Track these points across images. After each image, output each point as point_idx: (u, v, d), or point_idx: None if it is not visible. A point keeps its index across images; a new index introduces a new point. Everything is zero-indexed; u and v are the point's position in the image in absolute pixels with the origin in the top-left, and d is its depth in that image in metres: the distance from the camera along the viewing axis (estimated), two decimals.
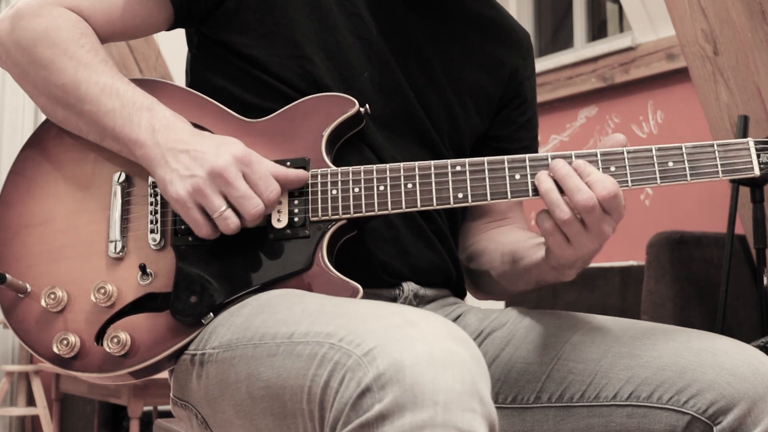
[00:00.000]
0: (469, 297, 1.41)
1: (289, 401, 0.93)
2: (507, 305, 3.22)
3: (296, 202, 1.14)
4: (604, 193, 1.06)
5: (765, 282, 2.56)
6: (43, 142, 1.23)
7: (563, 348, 1.17)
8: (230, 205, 1.09)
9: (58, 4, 1.20)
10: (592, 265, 3.30)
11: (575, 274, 1.17)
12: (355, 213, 1.13)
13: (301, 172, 1.13)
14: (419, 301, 1.28)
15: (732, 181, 2.66)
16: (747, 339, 1.38)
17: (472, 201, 1.12)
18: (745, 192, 2.70)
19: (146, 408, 4.08)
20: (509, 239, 1.31)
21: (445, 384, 0.82)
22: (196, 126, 1.16)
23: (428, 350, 0.84)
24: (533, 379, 1.17)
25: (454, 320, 1.30)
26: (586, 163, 1.09)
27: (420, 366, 0.83)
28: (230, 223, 1.09)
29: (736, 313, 2.75)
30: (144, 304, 1.14)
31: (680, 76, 3.40)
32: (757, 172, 1.08)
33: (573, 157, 1.10)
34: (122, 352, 1.11)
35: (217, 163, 1.08)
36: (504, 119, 1.40)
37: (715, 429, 1.04)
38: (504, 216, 1.40)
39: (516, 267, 1.26)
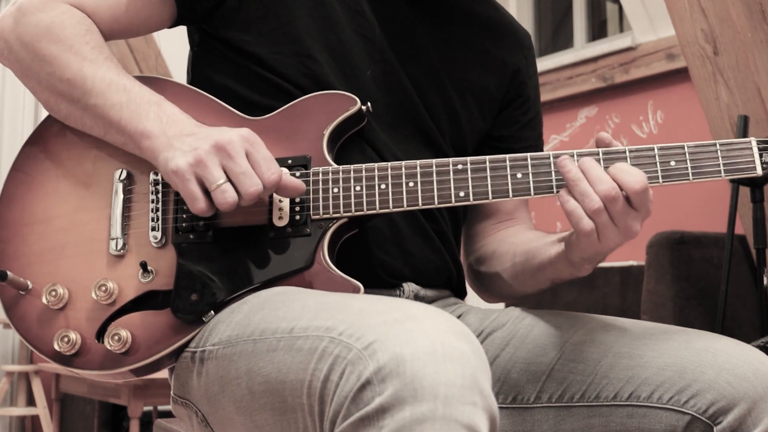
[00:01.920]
0: (469, 297, 1.40)
1: (290, 396, 0.93)
2: (507, 305, 3.22)
3: (297, 200, 1.14)
4: (637, 187, 1.04)
5: (765, 282, 2.56)
6: (45, 140, 1.23)
7: (563, 348, 1.17)
8: (230, 181, 1.08)
9: (62, 0, 1.20)
10: None
11: (592, 268, 1.17)
12: (356, 211, 1.13)
13: (299, 181, 1.12)
14: (420, 302, 1.28)
15: (732, 180, 2.66)
16: (747, 339, 1.38)
17: (474, 200, 1.12)
18: (745, 192, 2.70)
19: (146, 408, 4.08)
20: (520, 240, 1.31)
21: (445, 378, 0.82)
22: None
23: (429, 344, 0.84)
24: (533, 379, 1.17)
25: None
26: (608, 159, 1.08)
27: (420, 360, 0.83)
28: (228, 196, 1.07)
29: (736, 313, 2.75)
30: (145, 301, 1.14)
31: (680, 76, 3.40)
32: (759, 171, 1.08)
33: (575, 155, 1.10)
34: (123, 350, 1.11)
35: (222, 138, 1.08)
36: (506, 119, 1.40)
37: (715, 429, 1.04)
38: (511, 216, 1.40)
39: (529, 267, 1.25)
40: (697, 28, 2.77)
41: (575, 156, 1.10)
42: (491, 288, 1.38)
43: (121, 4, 1.23)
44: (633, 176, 1.05)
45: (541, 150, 1.43)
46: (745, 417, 1.03)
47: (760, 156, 1.08)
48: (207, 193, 1.08)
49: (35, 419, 5.06)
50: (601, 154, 1.10)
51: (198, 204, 1.08)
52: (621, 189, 1.05)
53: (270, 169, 1.09)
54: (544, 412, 1.16)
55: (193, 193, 1.08)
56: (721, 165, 1.08)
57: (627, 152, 1.10)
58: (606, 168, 1.07)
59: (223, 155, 1.07)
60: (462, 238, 1.44)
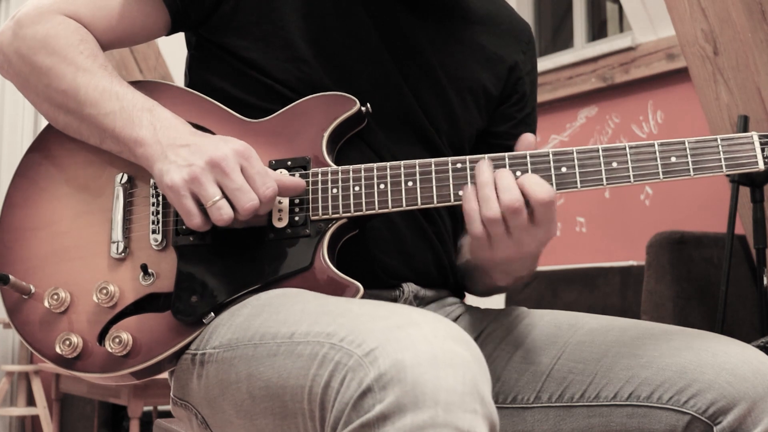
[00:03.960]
0: (468, 297, 1.41)
1: (290, 401, 0.93)
2: (507, 305, 3.22)
3: (297, 201, 1.14)
4: (541, 197, 1.04)
5: (765, 282, 2.56)
6: (46, 147, 1.24)
7: (563, 348, 1.17)
8: (225, 198, 1.09)
9: (58, 12, 1.21)
10: (593, 265, 3.31)
11: (506, 280, 1.20)
12: (355, 212, 1.13)
13: (298, 180, 1.12)
14: (419, 302, 1.28)
15: (732, 181, 2.66)
16: (747, 339, 1.38)
17: None
18: (745, 192, 2.70)
19: (146, 408, 4.08)
20: None
21: (446, 384, 0.82)
22: (197, 127, 1.17)
23: (430, 351, 0.84)
24: (533, 379, 1.17)
25: (454, 320, 1.30)
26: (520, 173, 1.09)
27: (421, 366, 0.83)
28: (223, 213, 1.08)
29: (736, 313, 2.75)
30: (146, 304, 1.14)
31: (680, 76, 3.40)
32: (761, 166, 1.06)
33: (574, 153, 1.10)
34: (124, 352, 1.11)
35: (216, 154, 1.08)
36: (502, 115, 1.40)
37: (715, 429, 1.04)
38: None
39: (469, 265, 1.28)
40: (697, 28, 2.78)
41: (574, 153, 1.10)
42: (464, 282, 1.39)
43: (116, 13, 1.24)
44: (541, 186, 1.05)
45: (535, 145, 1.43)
46: (745, 417, 1.03)
47: (762, 150, 1.07)
48: (202, 207, 1.09)
49: (35, 419, 5.07)
50: (600, 151, 1.10)
51: (194, 219, 1.09)
52: (526, 198, 1.05)
53: (265, 183, 1.09)
54: (543, 412, 1.16)
55: (189, 209, 1.09)
56: (723, 160, 1.07)
57: (627, 149, 1.09)
58: (518, 177, 1.07)
59: (217, 171, 1.08)
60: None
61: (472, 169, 1.12)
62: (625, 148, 1.09)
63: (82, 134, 1.19)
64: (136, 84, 1.20)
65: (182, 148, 1.10)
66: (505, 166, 1.10)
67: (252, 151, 1.11)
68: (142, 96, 1.17)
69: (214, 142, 1.11)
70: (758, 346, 1.96)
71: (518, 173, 1.09)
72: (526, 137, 1.14)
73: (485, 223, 1.06)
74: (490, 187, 1.06)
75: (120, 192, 1.18)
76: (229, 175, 1.08)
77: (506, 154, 1.11)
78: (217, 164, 1.08)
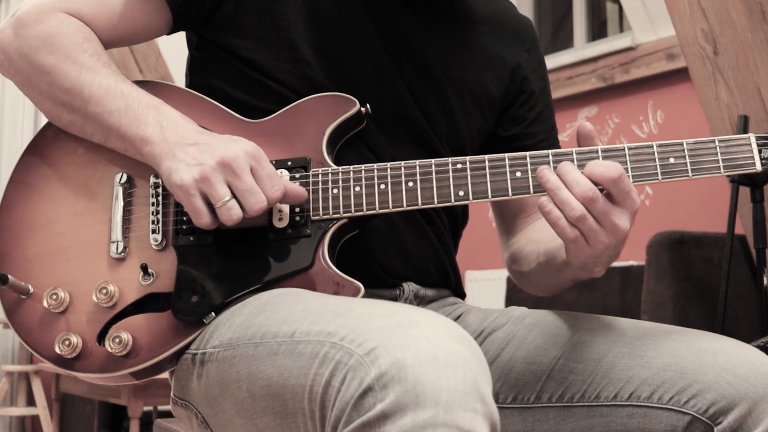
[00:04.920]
0: (468, 297, 1.40)
1: (290, 400, 0.93)
2: (507, 305, 3.23)
3: None
4: (611, 174, 1.04)
5: (765, 282, 2.56)
6: (44, 147, 1.23)
7: (563, 348, 1.17)
8: (235, 198, 1.09)
9: (60, 10, 1.20)
10: None
11: (604, 269, 1.14)
12: (356, 212, 1.13)
13: (301, 189, 1.12)
14: (420, 302, 1.28)
15: (732, 181, 2.66)
16: (747, 339, 1.38)
17: (473, 199, 1.12)
18: (745, 192, 2.70)
19: (146, 408, 4.08)
20: (544, 237, 1.29)
21: (447, 384, 0.82)
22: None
23: (430, 350, 0.84)
24: (534, 379, 1.17)
25: (455, 320, 1.30)
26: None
27: (422, 366, 0.83)
28: (233, 213, 1.08)
29: (736, 313, 2.75)
30: (146, 304, 1.14)
31: (680, 76, 3.40)
32: (758, 167, 1.07)
33: (574, 153, 1.10)
34: (124, 353, 1.11)
35: (227, 154, 1.08)
36: (513, 117, 1.39)
37: (715, 429, 1.04)
38: (536, 210, 1.38)
39: (550, 268, 1.24)
40: (697, 28, 2.78)
41: (574, 153, 1.10)
42: (526, 285, 1.37)
43: (118, 12, 1.24)
44: (606, 167, 1.05)
45: (556, 140, 1.43)
46: (746, 417, 1.03)
47: (759, 152, 1.08)
48: (211, 207, 1.09)
49: (35, 419, 5.07)
50: (600, 152, 1.10)
51: (203, 219, 1.09)
52: (598, 184, 1.05)
53: (274, 186, 1.09)
54: (544, 412, 1.16)
55: (198, 208, 1.09)
56: (720, 161, 1.08)
57: (626, 149, 1.09)
58: (581, 167, 1.07)
59: (228, 172, 1.08)
60: (498, 235, 1.44)
61: (472, 170, 1.12)
62: (624, 149, 1.09)
63: (86, 132, 1.19)
64: (139, 84, 1.20)
65: (191, 147, 1.10)
66: (504, 167, 1.11)
67: (261, 153, 1.11)
68: (147, 94, 1.16)
69: (223, 141, 1.11)
70: (758, 346, 1.96)
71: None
72: (583, 127, 1.12)
73: (575, 224, 1.05)
74: (563, 190, 1.05)
75: (119, 192, 1.18)
76: (240, 176, 1.08)
77: (506, 155, 1.11)
78: (228, 164, 1.08)
